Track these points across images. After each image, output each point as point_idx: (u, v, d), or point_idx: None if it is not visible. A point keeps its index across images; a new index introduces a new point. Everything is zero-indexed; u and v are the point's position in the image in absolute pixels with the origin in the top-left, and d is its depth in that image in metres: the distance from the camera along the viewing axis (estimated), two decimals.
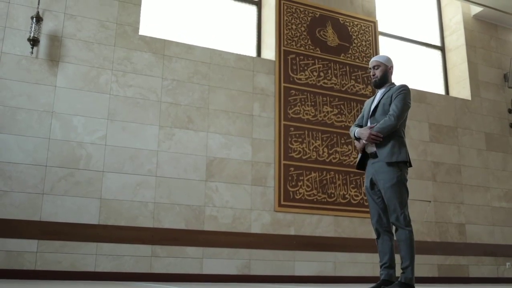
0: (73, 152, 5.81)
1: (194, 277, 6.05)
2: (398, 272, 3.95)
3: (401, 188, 3.93)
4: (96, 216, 5.76)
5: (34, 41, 5.81)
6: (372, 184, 4.09)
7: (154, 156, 6.17)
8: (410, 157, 4.09)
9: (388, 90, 4.16)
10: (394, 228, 4.01)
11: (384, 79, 4.23)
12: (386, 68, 4.23)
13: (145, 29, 6.76)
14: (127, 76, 6.25)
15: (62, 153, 5.76)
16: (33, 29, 5.80)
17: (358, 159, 4.23)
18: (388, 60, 4.27)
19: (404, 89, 4.10)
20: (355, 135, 4.18)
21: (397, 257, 3.98)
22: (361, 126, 4.28)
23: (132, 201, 5.95)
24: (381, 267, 4.02)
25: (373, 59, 4.30)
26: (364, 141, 4.09)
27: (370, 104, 4.29)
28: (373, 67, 4.26)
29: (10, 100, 5.66)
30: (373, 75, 4.26)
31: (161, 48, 6.53)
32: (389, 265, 3.98)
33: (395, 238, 4.01)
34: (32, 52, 5.82)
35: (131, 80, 6.26)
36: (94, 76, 6.10)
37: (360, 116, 4.38)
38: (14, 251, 5.36)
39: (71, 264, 5.55)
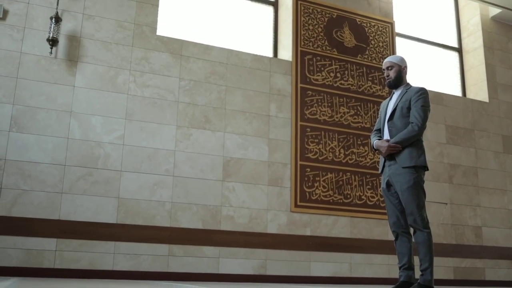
0: (92, 152, 5.86)
1: (210, 277, 6.07)
2: (418, 273, 3.94)
3: (418, 190, 3.91)
4: (114, 215, 5.80)
5: (53, 41, 5.86)
6: (389, 185, 4.08)
7: (171, 156, 6.20)
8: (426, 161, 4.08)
9: (406, 92, 4.13)
10: (412, 230, 3.99)
11: (399, 79, 4.20)
12: (400, 69, 4.20)
13: (162, 30, 6.80)
14: (145, 76, 6.29)
15: (81, 152, 5.81)
16: (52, 30, 5.86)
17: (381, 165, 4.19)
18: (402, 60, 4.24)
19: (423, 93, 4.07)
20: (374, 146, 4.17)
21: (416, 259, 3.97)
22: (379, 130, 4.27)
23: (149, 201, 5.99)
24: (400, 268, 4.01)
25: (387, 59, 4.27)
26: (382, 155, 4.08)
27: (386, 106, 4.26)
28: (387, 68, 4.24)
29: (30, 100, 5.72)
30: (387, 76, 4.23)
31: (178, 48, 6.56)
32: (408, 267, 3.97)
33: (413, 239, 4.00)
34: (51, 52, 5.88)
35: (148, 80, 6.30)
36: (112, 76, 6.14)
37: (378, 120, 4.36)
38: (34, 250, 5.41)
39: (89, 263, 5.59)
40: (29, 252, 5.39)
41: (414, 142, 3.98)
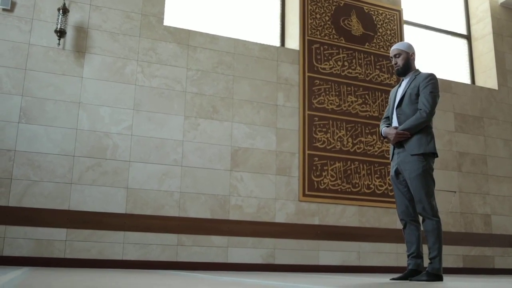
0: (100, 142, 5.89)
1: (219, 266, 6.10)
2: (426, 262, 3.94)
3: (427, 178, 3.89)
4: (123, 205, 5.84)
5: (60, 33, 5.88)
6: (397, 173, 4.06)
7: (179, 146, 6.22)
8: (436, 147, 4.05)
9: (414, 79, 4.09)
10: (421, 218, 3.98)
11: (407, 66, 4.15)
12: (408, 56, 4.15)
13: (169, 20, 6.79)
14: (152, 66, 6.30)
15: (89, 143, 5.84)
16: (59, 21, 5.87)
17: (391, 152, 4.18)
18: (409, 46, 4.19)
19: (432, 79, 4.03)
20: (382, 134, 4.15)
21: (425, 247, 3.97)
22: (389, 118, 4.24)
23: (158, 191, 6.02)
24: (408, 257, 4.01)
25: (394, 47, 4.21)
26: (391, 143, 4.06)
27: (395, 93, 4.23)
28: (394, 55, 4.19)
29: (38, 91, 5.75)
30: (395, 64, 4.18)
31: (185, 38, 6.56)
32: (416, 255, 3.97)
33: (422, 228, 3.99)
34: (59, 44, 5.89)
35: (156, 70, 6.31)
36: (120, 67, 6.16)
37: (387, 107, 4.34)
38: (44, 240, 5.46)
39: (99, 252, 5.64)
40: (39, 242, 5.44)
41: (423, 128, 3.95)
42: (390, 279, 3.95)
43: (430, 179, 3.91)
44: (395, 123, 4.11)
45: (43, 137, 5.67)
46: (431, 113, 3.94)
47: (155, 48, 6.37)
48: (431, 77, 4.03)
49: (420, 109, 3.95)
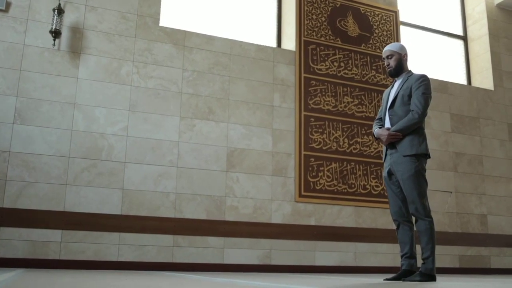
0: (96, 143, 5.88)
1: (215, 267, 6.09)
2: (420, 262, 3.94)
3: (419, 178, 3.89)
4: (119, 207, 5.83)
5: (56, 33, 5.87)
6: (390, 174, 4.07)
7: (175, 147, 6.21)
8: (429, 148, 4.06)
9: (407, 80, 4.10)
10: (414, 218, 3.99)
11: (399, 68, 4.16)
12: (400, 57, 4.16)
13: (165, 20, 6.79)
14: (148, 67, 6.30)
15: (85, 144, 5.83)
16: (55, 21, 5.86)
17: (384, 153, 4.19)
18: (402, 47, 4.20)
19: (424, 80, 4.04)
20: (375, 135, 4.16)
21: (418, 248, 3.97)
22: (381, 119, 4.25)
23: (154, 192, 6.01)
24: (402, 257, 4.01)
25: (386, 48, 4.23)
26: (383, 144, 4.08)
27: (388, 94, 4.24)
28: (387, 56, 4.20)
29: (33, 92, 5.74)
30: (388, 65, 4.19)
31: (181, 39, 6.55)
32: (410, 255, 3.98)
33: (415, 228, 4.00)
34: (54, 44, 5.88)
35: (152, 71, 6.30)
36: (115, 68, 6.15)
37: (380, 108, 4.35)
38: (39, 241, 5.45)
39: (94, 254, 5.63)
40: (34, 244, 5.43)
41: (415, 129, 3.96)
42: (384, 280, 3.96)
43: (422, 179, 3.91)
44: (387, 124, 4.12)
45: (38, 138, 5.66)
46: (423, 114, 3.95)
47: (151, 48, 6.37)
48: (423, 78, 4.04)
49: (412, 110, 3.96)
